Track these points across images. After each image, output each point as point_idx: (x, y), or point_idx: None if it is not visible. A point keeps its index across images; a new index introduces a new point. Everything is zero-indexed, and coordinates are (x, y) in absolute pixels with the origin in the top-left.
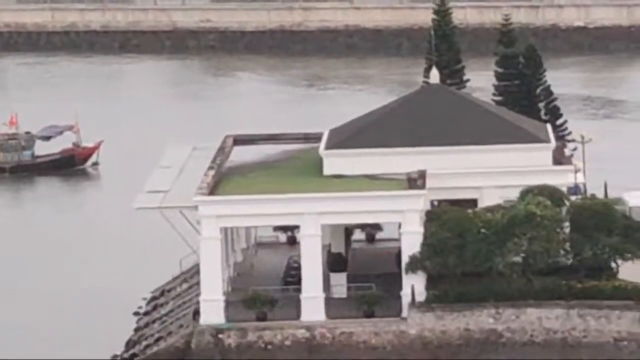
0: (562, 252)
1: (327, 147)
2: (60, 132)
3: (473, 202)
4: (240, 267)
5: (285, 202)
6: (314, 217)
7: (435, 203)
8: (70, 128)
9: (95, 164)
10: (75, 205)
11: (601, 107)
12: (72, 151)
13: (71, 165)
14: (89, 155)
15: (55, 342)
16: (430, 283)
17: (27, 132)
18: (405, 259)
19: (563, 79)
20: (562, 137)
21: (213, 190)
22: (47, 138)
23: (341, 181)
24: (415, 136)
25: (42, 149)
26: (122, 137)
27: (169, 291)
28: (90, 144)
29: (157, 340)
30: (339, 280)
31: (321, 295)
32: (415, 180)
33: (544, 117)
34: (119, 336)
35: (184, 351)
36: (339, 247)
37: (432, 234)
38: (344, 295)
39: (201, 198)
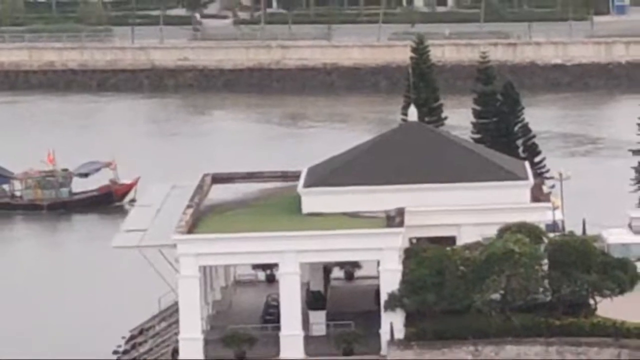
0: (540, 289)
1: (306, 185)
2: (98, 169)
3: (451, 240)
4: (219, 306)
5: (264, 240)
6: (293, 255)
7: (414, 241)
8: (107, 165)
9: (133, 200)
10: (66, 244)
11: (579, 144)
12: (109, 188)
13: (109, 202)
14: (127, 192)
15: None
16: (409, 321)
17: (65, 169)
18: (384, 297)
19: (541, 117)
20: (540, 175)
21: (192, 228)
22: (85, 175)
23: (320, 219)
24: (394, 174)
25: (80, 185)
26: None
27: (147, 330)
28: (128, 181)
29: None
30: (318, 318)
31: (300, 333)
32: (394, 218)
33: (522, 155)
34: None
35: None
36: (318, 285)
37: (410, 272)
38: (323, 333)
39: (180, 236)
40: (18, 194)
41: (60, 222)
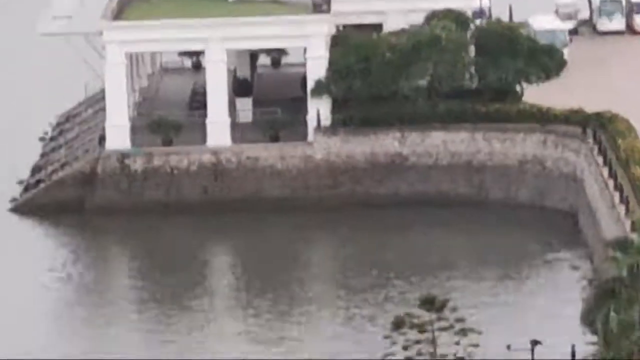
0: (467, 75)
1: None
2: None
3: (378, 27)
4: (145, 92)
5: (190, 27)
6: (219, 42)
7: (341, 28)
8: None
9: None
10: None
11: None
12: None
13: None
14: None
15: None
16: (336, 107)
17: None
18: (310, 84)
19: None
20: None
21: (118, 15)
22: None
23: (247, 6)
24: None
25: None
26: None
27: (74, 116)
28: None
29: (63, 165)
30: (245, 105)
31: (227, 120)
32: (321, 5)
33: None
34: (25, 161)
35: (90, 176)
36: (244, 72)
37: (337, 59)
38: (250, 120)
39: (106, 23)
40: None
41: None
